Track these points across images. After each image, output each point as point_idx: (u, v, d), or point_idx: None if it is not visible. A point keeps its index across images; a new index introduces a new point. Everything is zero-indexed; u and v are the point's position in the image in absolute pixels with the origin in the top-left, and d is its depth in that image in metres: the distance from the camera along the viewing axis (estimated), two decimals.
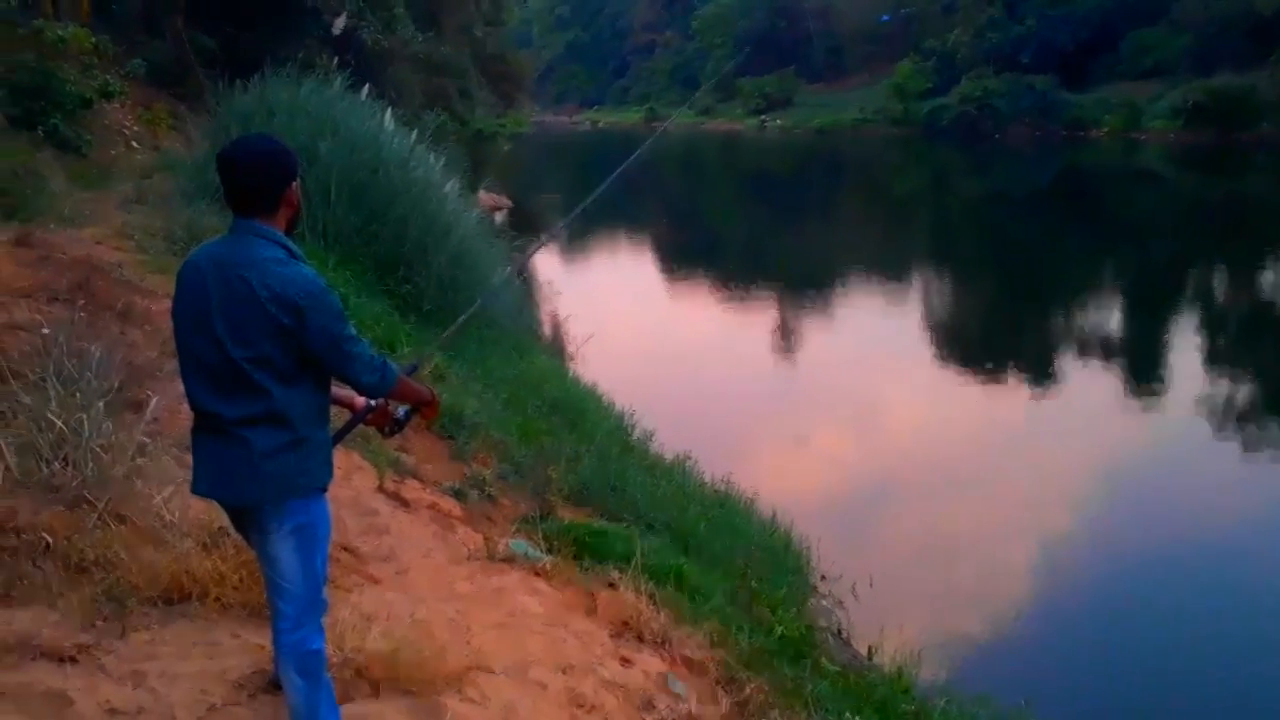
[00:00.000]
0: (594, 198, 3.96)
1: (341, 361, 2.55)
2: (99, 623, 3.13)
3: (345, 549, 4.05)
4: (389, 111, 10.78)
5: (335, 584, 3.59)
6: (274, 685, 2.87)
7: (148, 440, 4.08)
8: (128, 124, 13.27)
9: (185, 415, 4.68)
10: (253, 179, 2.51)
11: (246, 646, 3.16)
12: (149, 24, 16.13)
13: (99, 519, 3.52)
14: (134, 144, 12.81)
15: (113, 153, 12.04)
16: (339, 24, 15.29)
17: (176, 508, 3.72)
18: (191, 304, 2.50)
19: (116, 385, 4.37)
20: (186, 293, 2.53)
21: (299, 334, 2.44)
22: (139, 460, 3.92)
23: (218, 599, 3.33)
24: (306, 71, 10.99)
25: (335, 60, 14.12)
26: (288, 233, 2.61)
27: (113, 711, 2.78)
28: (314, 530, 2.61)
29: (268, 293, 2.41)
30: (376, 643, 3.18)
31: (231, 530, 3.45)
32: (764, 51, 65.41)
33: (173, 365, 5.12)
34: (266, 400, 2.47)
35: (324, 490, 2.65)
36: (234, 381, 2.47)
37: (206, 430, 2.55)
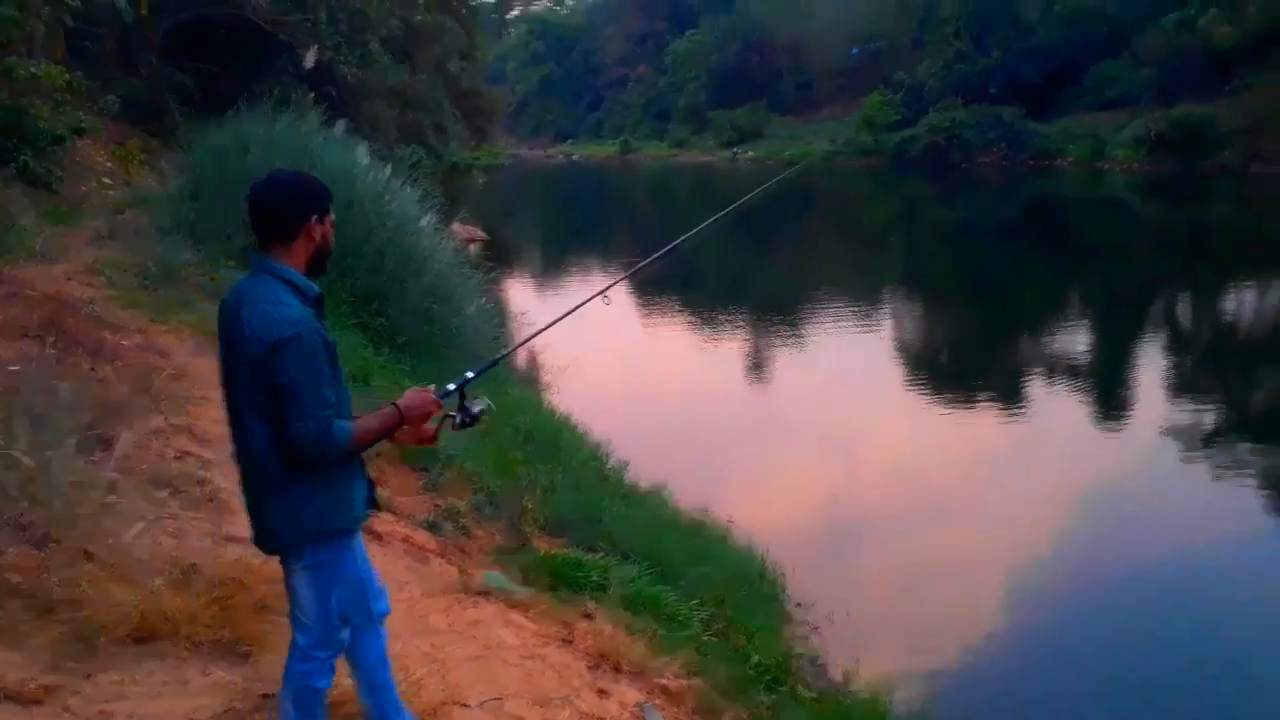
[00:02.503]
0: (675, 246, 3.94)
1: (291, 409, 2.37)
2: (66, 663, 3.09)
3: None
4: (364, 145, 10.85)
5: None
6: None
7: (118, 478, 4.05)
8: (100, 160, 13.22)
9: (156, 452, 4.67)
10: (266, 210, 2.48)
11: (218, 684, 3.13)
12: (124, 61, 16.10)
13: (67, 558, 3.49)
14: (106, 180, 12.75)
15: (84, 189, 11.97)
16: (309, 57, 15.34)
17: (146, 545, 3.69)
18: (221, 341, 2.53)
19: (87, 423, 4.33)
20: (220, 330, 2.55)
21: (269, 374, 2.39)
22: (109, 498, 3.89)
23: (189, 637, 3.30)
24: (282, 107, 11.06)
25: (310, 95, 14.18)
26: (312, 270, 2.54)
27: None
28: (333, 570, 2.59)
29: (249, 330, 2.40)
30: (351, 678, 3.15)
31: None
32: (736, 85, 66.38)
33: (142, 402, 5.10)
34: (258, 441, 2.45)
35: (349, 532, 2.61)
36: (235, 422, 2.50)
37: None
